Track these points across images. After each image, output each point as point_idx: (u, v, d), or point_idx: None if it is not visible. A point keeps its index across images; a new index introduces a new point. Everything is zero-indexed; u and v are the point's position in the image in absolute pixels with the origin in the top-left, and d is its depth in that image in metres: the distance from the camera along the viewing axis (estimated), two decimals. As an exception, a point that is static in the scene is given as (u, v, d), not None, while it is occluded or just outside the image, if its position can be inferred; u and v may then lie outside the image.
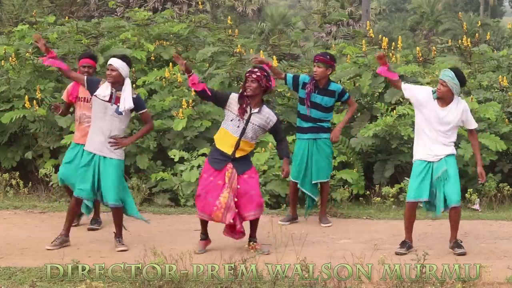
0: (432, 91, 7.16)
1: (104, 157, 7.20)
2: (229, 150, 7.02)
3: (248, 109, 7.02)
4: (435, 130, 7.07)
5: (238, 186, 7.02)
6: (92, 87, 7.21)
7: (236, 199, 7.01)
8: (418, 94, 7.19)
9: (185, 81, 10.85)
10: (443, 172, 7.06)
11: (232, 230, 7.15)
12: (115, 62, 7.19)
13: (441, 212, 7.14)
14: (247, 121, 7.01)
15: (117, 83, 7.19)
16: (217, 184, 6.99)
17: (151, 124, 7.59)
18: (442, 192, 7.07)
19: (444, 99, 7.11)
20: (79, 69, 8.01)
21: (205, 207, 7.02)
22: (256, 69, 7.08)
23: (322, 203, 8.60)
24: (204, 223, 7.22)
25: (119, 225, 7.37)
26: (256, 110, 7.04)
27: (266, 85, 7.03)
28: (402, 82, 7.41)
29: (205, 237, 7.25)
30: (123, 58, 7.31)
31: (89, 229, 8.12)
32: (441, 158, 7.08)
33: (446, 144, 7.12)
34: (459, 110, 7.12)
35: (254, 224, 7.24)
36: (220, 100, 7.13)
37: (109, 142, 7.17)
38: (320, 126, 8.28)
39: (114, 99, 7.15)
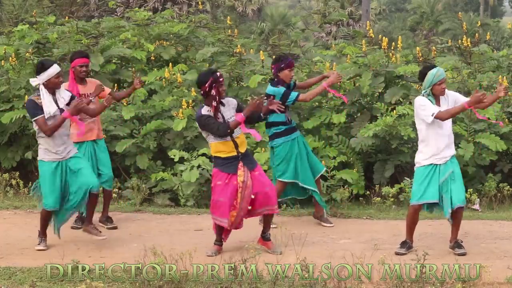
0: (430, 100, 6.94)
1: (67, 159, 7.18)
2: (233, 153, 7.02)
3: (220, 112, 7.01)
4: (445, 133, 6.99)
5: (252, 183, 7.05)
6: (38, 111, 7.06)
7: (253, 196, 7.02)
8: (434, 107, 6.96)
9: (184, 81, 10.87)
10: (450, 174, 7.03)
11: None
12: None
13: (449, 213, 7.02)
14: (224, 121, 6.99)
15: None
16: (233, 185, 6.99)
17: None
18: (449, 193, 7.03)
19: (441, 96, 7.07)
20: (74, 69, 7.95)
21: (223, 212, 6.99)
22: (218, 74, 6.98)
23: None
24: (220, 230, 7.19)
25: (92, 213, 7.40)
26: (222, 108, 7.03)
27: None
28: (432, 116, 6.91)
29: (220, 243, 7.24)
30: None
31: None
32: (447, 160, 7.03)
33: (452, 143, 7.08)
34: (453, 98, 7.05)
35: (269, 219, 7.25)
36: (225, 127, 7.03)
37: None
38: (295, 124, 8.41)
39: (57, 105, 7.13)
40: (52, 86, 7.06)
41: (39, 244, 7.34)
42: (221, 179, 7.02)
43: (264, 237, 7.24)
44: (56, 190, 7.16)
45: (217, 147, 7.02)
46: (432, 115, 6.85)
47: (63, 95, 7.15)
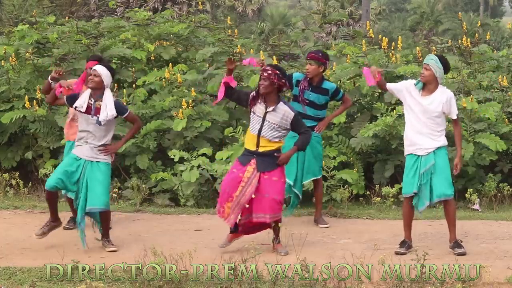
0: (415, 83, 7.15)
1: (91, 161, 7.22)
2: (252, 147, 7.08)
3: (264, 107, 7.03)
4: (421, 121, 7.04)
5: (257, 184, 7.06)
6: (72, 101, 7.20)
7: (253, 196, 7.03)
8: (399, 85, 7.29)
9: (184, 81, 10.86)
10: (431, 166, 7.05)
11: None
12: (100, 69, 7.19)
13: (425, 206, 7.12)
14: (263, 119, 7.02)
15: (98, 90, 7.17)
16: (238, 176, 7.05)
17: (139, 123, 7.63)
18: (428, 186, 7.07)
19: (428, 86, 7.07)
20: (87, 71, 7.95)
21: (222, 199, 7.08)
22: (268, 67, 7.06)
23: (318, 203, 8.55)
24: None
25: (107, 228, 7.43)
26: (271, 108, 7.01)
27: (278, 83, 6.99)
28: (387, 84, 7.47)
29: (234, 229, 7.23)
30: (109, 67, 7.31)
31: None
32: (429, 152, 7.06)
33: (434, 135, 7.06)
34: (443, 99, 7.06)
35: (274, 229, 7.21)
36: (243, 99, 7.20)
37: (98, 150, 7.22)
38: (313, 125, 8.21)
39: (94, 110, 7.13)
40: None
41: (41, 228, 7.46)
42: (236, 167, 7.17)
43: (274, 241, 7.25)
44: (62, 172, 7.15)
45: (247, 133, 7.23)
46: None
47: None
